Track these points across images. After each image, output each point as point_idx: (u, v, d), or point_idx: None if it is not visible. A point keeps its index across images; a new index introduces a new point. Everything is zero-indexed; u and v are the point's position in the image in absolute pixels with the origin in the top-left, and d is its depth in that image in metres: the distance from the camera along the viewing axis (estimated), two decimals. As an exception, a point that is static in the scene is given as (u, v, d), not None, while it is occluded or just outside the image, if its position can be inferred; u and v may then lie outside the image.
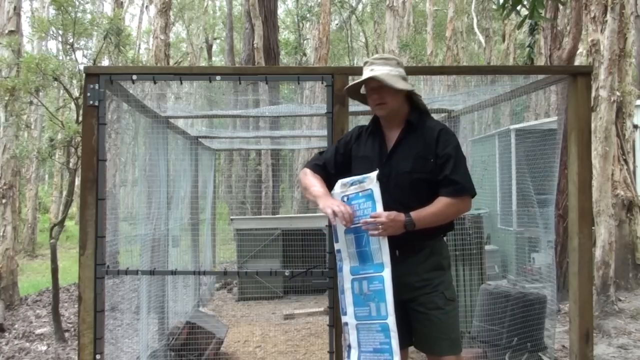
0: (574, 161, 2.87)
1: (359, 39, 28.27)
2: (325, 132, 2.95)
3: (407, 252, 2.40)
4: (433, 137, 2.40)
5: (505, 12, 3.43)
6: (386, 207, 2.33)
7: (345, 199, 2.40)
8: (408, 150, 2.42)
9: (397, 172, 2.40)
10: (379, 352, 2.30)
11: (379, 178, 2.34)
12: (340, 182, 2.45)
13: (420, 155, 2.39)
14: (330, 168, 2.57)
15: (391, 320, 2.26)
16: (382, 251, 2.30)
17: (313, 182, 2.50)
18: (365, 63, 2.50)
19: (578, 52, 7.06)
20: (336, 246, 2.45)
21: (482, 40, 21.66)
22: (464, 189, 2.36)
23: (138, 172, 5.18)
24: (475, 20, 21.14)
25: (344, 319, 2.44)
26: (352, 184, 2.40)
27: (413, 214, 2.30)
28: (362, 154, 2.52)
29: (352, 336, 2.39)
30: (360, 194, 2.36)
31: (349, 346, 2.42)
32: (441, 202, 2.34)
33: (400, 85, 2.41)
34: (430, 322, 2.37)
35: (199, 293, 6.66)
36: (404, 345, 2.48)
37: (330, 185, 2.53)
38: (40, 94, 7.76)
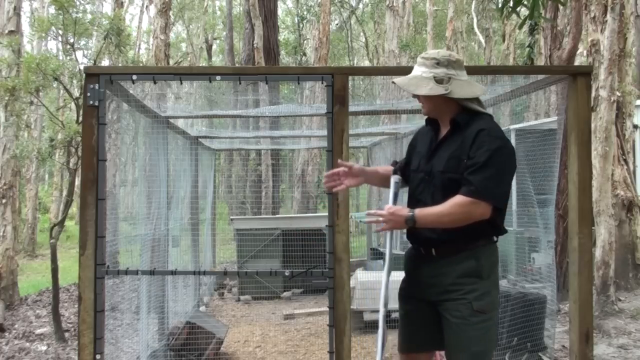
0: (574, 161, 2.86)
1: (359, 39, 28.24)
2: (325, 132, 2.95)
3: (444, 253, 2.34)
4: (471, 137, 2.29)
5: (504, 13, 3.43)
6: (422, 205, 2.34)
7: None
8: (446, 150, 2.37)
9: (434, 171, 2.38)
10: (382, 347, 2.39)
11: (423, 177, 2.42)
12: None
13: (454, 155, 2.32)
14: (403, 162, 2.65)
15: (382, 314, 2.34)
16: (386, 246, 2.40)
17: None
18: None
19: (578, 52, 7.05)
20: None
21: (482, 40, 21.65)
22: (476, 192, 2.22)
23: (138, 172, 5.19)
24: (475, 20, 21.12)
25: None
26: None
27: (417, 210, 2.28)
28: (418, 149, 2.54)
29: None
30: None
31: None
32: (449, 202, 2.24)
33: (423, 90, 2.33)
34: (451, 331, 2.31)
35: (199, 293, 6.67)
36: (431, 347, 2.52)
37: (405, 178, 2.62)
38: (41, 94, 7.74)
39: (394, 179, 2.42)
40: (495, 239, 2.39)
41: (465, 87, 2.36)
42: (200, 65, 23.59)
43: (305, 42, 20.54)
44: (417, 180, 2.43)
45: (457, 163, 2.30)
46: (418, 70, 2.38)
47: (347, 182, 2.51)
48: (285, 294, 7.42)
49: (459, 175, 2.28)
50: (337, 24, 25.35)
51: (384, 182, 2.62)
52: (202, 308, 6.76)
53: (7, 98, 7.21)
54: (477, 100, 2.40)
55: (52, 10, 9.87)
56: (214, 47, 27.87)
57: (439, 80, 2.32)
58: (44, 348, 5.53)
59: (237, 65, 16.00)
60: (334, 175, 2.52)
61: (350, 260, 2.84)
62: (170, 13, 11.39)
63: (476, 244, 2.31)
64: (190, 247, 6.31)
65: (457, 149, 2.32)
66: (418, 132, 2.65)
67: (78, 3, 6.98)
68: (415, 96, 2.44)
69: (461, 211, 2.23)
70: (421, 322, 2.43)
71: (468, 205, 2.23)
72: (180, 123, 5.47)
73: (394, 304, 2.56)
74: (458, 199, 2.24)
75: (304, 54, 19.32)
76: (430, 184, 2.38)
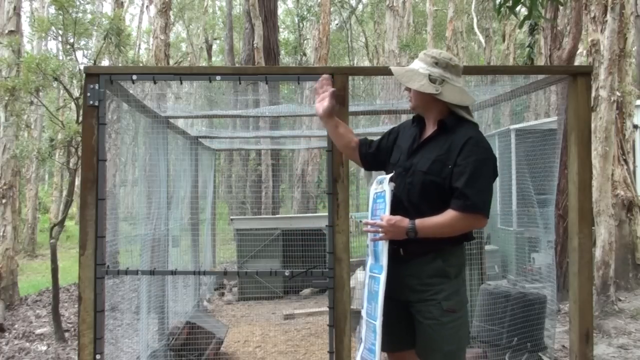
0: (574, 161, 2.87)
1: (359, 39, 28.24)
2: (325, 132, 2.94)
3: (412, 254, 2.36)
4: (459, 144, 2.31)
5: (501, 12, 3.43)
6: (397, 203, 2.35)
7: (375, 196, 2.48)
8: (432, 151, 2.38)
9: (415, 169, 2.38)
10: (370, 352, 2.35)
11: (400, 172, 2.40)
12: (376, 179, 2.52)
13: (440, 159, 2.33)
14: (372, 146, 2.65)
15: (378, 323, 2.29)
16: (383, 254, 2.34)
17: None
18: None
19: (578, 52, 7.06)
20: (367, 241, 2.52)
21: (482, 40, 21.64)
22: (474, 206, 2.26)
23: (138, 172, 5.18)
24: (475, 20, 21.11)
25: (362, 312, 2.50)
26: (380, 183, 2.47)
27: (418, 221, 2.28)
28: (399, 143, 2.55)
29: (362, 330, 2.46)
30: (380, 193, 2.42)
31: (360, 339, 2.48)
32: (449, 215, 2.27)
33: (415, 84, 2.38)
34: (423, 332, 2.35)
35: (199, 293, 6.67)
36: (404, 347, 2.49)
37: (368, 160, 2.64)
38: (41, 94, 7.75)
39: (390, 186, 2.38)
40: (463, 243, 2.46)
41: (457, 93, 2.40)
42: (200, 65, 23.59)
43: (305, 42, 20.54)
44: (394, 175, 2.44)
45: (440, 167, 2.33)
46: (416, 65, 2.43)
47: (329, 98, 2.57)
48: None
49: (441, 179, 2.32)
50: (337, 24, 25.35)
51: (336, 136, 2.65)
52: (208, 304, 6.81)
53: (7, 98, 7.21)
54: (466, 108, 2.45)
55: (52, 10, 9.87)
56: (214, 47, 27.87)
57: (432, 80, 2.37)
58: (44, 348, 5.53)
59: (237, 65, 16.00)
60: (328, 89, 2.60)
61: (350, 260, 2.84)
62: (170, 13, 11.40)
63: (443, 246, 2.36)
64: (190, 247, 6.31)
65: (444, 154, 2.34)
66: (401, 125, 2.67)
67: (78, 3, 6.97)
68: (406, 89, 2.47)
69: (465, 224, 2.31)
70: (398, 321, 2.44)
71: (469, 219, 2.29)
72: (180, 123, 5.47)
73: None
74: (457, 213, 2.27)
75: (304, 54, 19.32)
76: (407, 180, 2.39)
